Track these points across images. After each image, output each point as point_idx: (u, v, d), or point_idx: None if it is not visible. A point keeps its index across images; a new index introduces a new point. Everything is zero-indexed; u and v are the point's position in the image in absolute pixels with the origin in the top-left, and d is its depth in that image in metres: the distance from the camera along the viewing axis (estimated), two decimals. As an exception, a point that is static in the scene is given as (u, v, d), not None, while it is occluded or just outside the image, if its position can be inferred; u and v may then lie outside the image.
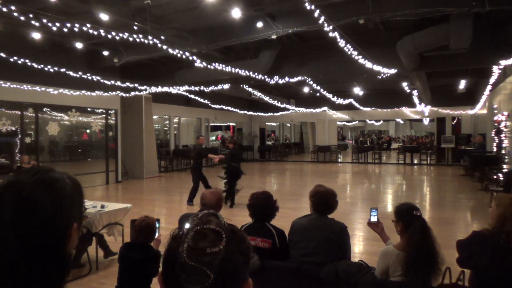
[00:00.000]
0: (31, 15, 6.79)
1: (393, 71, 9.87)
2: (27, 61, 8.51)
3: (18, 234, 0.70)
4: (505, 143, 10.78)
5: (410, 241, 2.42)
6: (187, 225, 0.76)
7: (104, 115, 12.69)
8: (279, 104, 18.34)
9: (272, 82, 11.36)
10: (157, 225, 2.96)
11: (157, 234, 2.96)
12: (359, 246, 5.73)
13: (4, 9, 6.18)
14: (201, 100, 16.42)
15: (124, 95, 12.60)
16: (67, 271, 0.80)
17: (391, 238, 2.94)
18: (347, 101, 17.56)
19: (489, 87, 11.91)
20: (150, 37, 7.71)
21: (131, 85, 11.86)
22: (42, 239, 0.73)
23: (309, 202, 2.96)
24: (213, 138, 24.72)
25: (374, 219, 2.97)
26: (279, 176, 15.97)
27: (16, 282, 0.69)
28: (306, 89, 15.38)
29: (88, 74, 9.84)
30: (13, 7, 6.23)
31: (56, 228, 0.76)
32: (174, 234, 0.78)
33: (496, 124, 11.81)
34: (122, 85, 11.92)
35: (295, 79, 11.28)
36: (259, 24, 8.25)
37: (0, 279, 0.68)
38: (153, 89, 12.39)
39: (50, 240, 0.75)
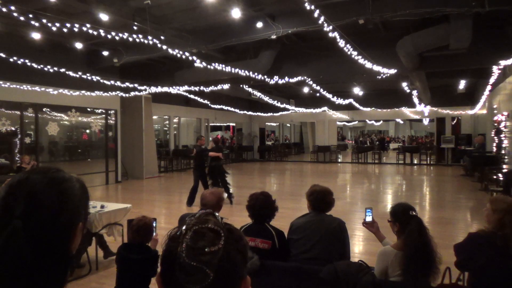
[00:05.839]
0: (31, 15, 6.79)
1: (393, 71, 9.87)
2: (27, 61, 8.51)
3: (27, 227, 0.74)
4: (505, 143, 10.78)
5: (407, 240, 2.43)
6: (184, 225, 0.76)
7: (104, 115, 12.69)
8: (279, 104, 18.34)
9: (272, 82, 11.36)
10: (154, 225, 2.95)
11: (154, 234, 2.95)
12: (359, 246, 5.73)
13: (4, 9, 6.18)
14: (201, 100, 16.42)
15: (124, 95, 12.60)
16: (70, 268, 0.82)
17: (387, 238, 2.97)
18: (347, 101, 17.56)
19: (488, 87, 11.91)
20: (150, 37, 7.71)
21: (131, 85, 11.86)
22: (48, 233, 0.77)
23: (307, 202, 3.01)
24: (213, 138, 24.70)
25: (369, 218, 3.03)
26: (279, 176, 15.97)
27: (22, 272, 0.72)
28: (306, 89, 15.38)
29: (88, 74, 9.84)
30: (13, 7, 6.23)
31: (62, 224, 0.79)
32: (172, 234, 0.78)
33: (495, 124, 11.82)
34: (122, 85, 11.92)
35: (295, 79, 11.28)
36: (259, 24, 8.25)
37: (9, 267, 0.72)
38: (153, 89, 12.39)
39: (56, 235, 0.78)
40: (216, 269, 0.69)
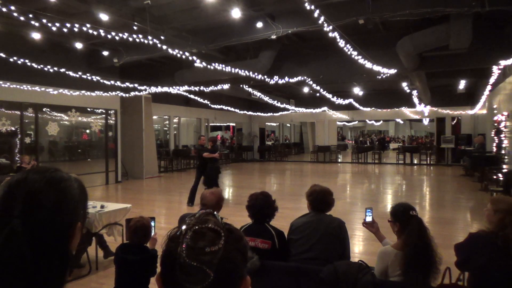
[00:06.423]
0: (31, 15, 6.78)
1: (393, 71, 9.87)
2: (27, 61, 8.51)
3: (26, 226, 0.74)
4: (505, 143, 10.77)
5: (407, 240, 2.44)
6: (184, 225, 0.76)
7: (104, 115, 12.69)
8: (279, 104, 18.33)
9: (272, 82, 11.36)
10: (152, 224, 2.94)
11: (153, 233, 2.95)
12: (359, 246, 5.73)
13: (4, 9, 6.18)
14: (201, 100, 16.42)
15: (123, 95, 12.60)
16: (69, 268, 0.82)
17: (387, 238, 2.97)
18: (347, 101, 17.55)
19: (488, 87, 11.91)
20: (150, 37, 7.71)
21: (131, 85, 11.86)
22: (47, 232, 0.76)
23: (307, 202, 3.02)
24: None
25: (369, 219, 3.04)
26: (279, 176, 15.97)
27: (22, 271, 0.72)
28: (306, 89, 15.38)
29: (88, 74, 9.84)
30: (13, 7, 6.22)
31: (60, 224, 0.79)
32: (171, 234, 0.78)
33: (495, 124, 11.81)
34: (122, 85, 11.91)
35: (295, 79, 11.27)
36: (259, 24, 8.25)
37: (8, 267, 0.71)
38: (153, 89, 12.39)
39: (55, 234, 0.78)
40: (216, 269, 0.69)
